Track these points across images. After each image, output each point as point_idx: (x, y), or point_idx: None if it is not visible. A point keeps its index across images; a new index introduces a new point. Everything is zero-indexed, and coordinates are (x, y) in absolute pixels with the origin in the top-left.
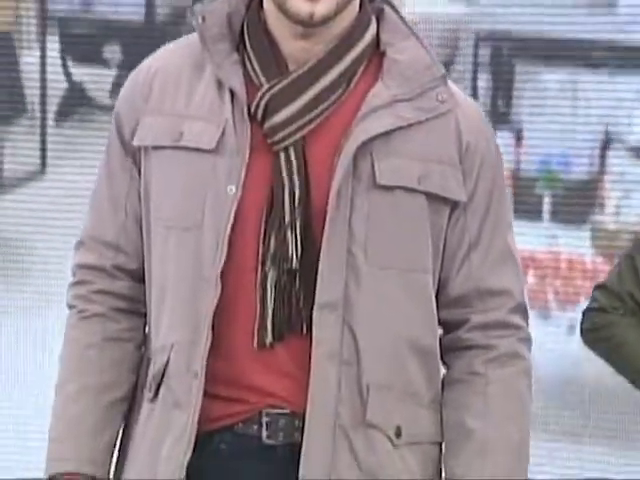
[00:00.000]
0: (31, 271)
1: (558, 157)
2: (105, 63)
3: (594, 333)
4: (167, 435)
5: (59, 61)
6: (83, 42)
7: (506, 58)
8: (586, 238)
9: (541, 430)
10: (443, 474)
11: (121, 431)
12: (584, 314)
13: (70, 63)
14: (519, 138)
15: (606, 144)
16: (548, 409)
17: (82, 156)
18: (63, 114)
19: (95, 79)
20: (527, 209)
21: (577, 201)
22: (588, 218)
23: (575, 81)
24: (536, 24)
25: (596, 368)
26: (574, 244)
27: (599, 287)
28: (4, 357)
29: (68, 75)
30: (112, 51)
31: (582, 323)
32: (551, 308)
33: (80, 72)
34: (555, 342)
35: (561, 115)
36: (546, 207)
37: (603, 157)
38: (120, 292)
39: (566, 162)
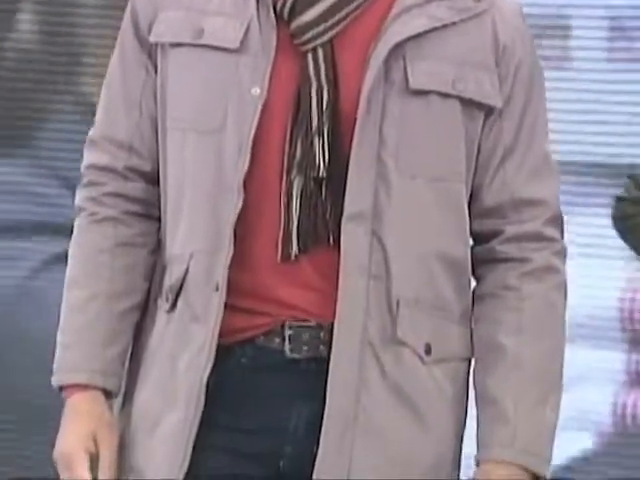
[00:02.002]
0: None
1: None
2: None
3: (625, 221)
4: (185, 349)
5: None
6: None
7: None
8: None
9: None
10: (472, 390)
11: (132, 341)
12: (616, 203)
13: None
14: None
15: None
16: None
17: None
18: None
19: None
20: None
21: None
22: None
23: None
24: None
25: None
26: None
27: (631, 177)
28: None
29: None
30: None
31: (614, 211)
32: None
33: None
34: None
35: None
36: None
37: None
38: (133, 195)
39: None
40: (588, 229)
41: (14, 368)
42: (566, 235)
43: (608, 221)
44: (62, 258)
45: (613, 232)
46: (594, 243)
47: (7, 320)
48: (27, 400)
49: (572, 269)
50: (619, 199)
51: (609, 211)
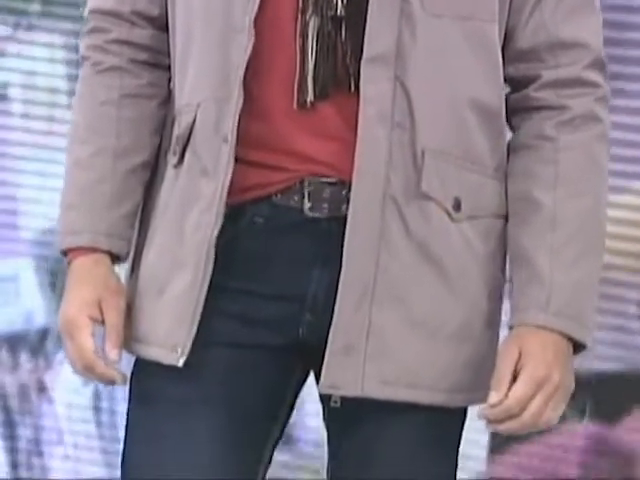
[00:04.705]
0: None
1: None
2: None
3: None
4: (194, 206)
5: None
6: None
7: None
8: None
9: None
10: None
11: (142, 202)
12: None
13: None
14: None
15: None
16: None
17: None
18: None
19: None
20: None
21: None
22: None
23: None
24: None
25: None
26: None
27: None
28: None
29: None
30: None
31: None
32: None
33: None
34: None
35: None
36: None
37: None
38: (140, 42)
39: None
40: None
41: None
42: None
43: None
44: None
45: None
46: None
47: None
48: None
49: None
50: None
51: None
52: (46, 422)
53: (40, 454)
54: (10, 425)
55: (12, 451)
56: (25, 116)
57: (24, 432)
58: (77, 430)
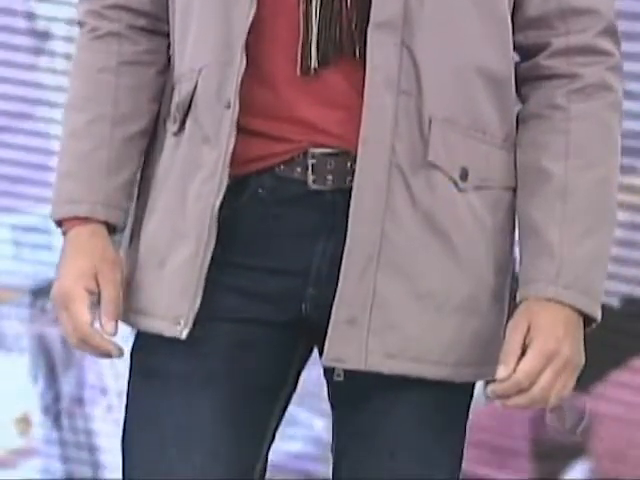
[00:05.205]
0: None
1: None
2: None
3: None
4: (195, 175)
5: None
6: None
7: None
8: None
9: None
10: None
11: (140, 171)
12: None
13: None
14: None
15: None
16: None
17: None
18: None
19: None
20: None
21: None
22: None
23: None
24: None
25: None
26: None
27: None
28: None
29: None
30: None
31: None
32: None
33: None
34: None
35: None
36: None
37: None
38: (138, 7)
39: None
40: None
41: None
42: None
43: None
44: None
45: None
46: None
47: None
48: None
49: None
50: None
51: None
52: (89, 373)
53: (83, 404)
54: (53, 377)
55: (55, 401)
56: (68, 57)
57: (67, 384)
58: (120, 381)
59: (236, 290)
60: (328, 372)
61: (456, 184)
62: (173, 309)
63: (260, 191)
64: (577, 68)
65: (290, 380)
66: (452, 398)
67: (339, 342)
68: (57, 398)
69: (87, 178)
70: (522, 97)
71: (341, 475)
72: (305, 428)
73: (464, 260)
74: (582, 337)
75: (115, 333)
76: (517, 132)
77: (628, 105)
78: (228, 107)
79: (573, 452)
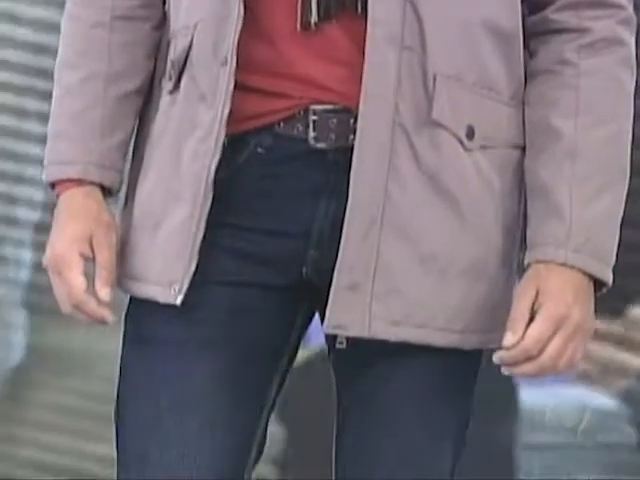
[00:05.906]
0: None
1: None
2: None
3: None
4: (191, 134)
5: None
6: None
7: None
8: None
9: None
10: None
11: (135, 131)
12: None
13: None
14: None
15: None
16: None
17: None
18: None
19: None
20: None
21: None
22: None
23: None
24: None
25: None
26: None
27: None
28: None
29: None
30: None
31: None
32: None
33: None
34: None
35: None
36: None
37: None
38: None
39: None
40: None
41: None
42: None
43: None
44: None
45: None
46: None
47: None
48: None
49: None
50: None
51: None
52: None
53: None
54: None
55: None
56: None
57: None
58: None
59: (233, 252)
60: (330, 338)
61: (462, 143)
62: (167, 274)
63: (259, 150)
64: (587, 22)
65: (291, 345)
66: (458, 364)
67: (341, 309)
68: None
69: (80, 138)
70: (531, 52)
71: (343, 440)
72: None
73: (470, 222)
74: (592, 302)
75: (109, 299)
76: (525, 89)
77: None
78: (225, 63)
79: None
